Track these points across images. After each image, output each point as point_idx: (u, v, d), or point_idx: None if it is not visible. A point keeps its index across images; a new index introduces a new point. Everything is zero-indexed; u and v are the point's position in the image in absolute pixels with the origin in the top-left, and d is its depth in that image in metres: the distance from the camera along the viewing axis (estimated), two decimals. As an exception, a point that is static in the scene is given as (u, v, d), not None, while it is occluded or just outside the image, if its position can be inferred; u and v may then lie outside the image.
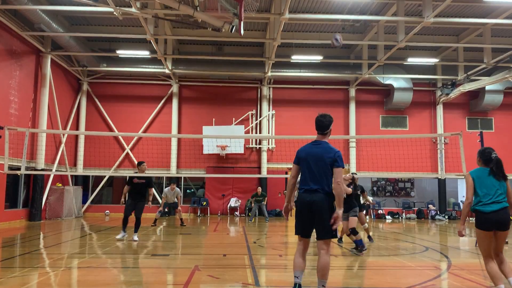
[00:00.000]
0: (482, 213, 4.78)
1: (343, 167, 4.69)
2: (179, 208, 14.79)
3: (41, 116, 16.39)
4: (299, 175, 4.86)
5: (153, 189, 11.07)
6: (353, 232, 8.49)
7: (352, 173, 9.86)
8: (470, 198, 4.88)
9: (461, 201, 21.01)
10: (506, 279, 4.70)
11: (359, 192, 9.48)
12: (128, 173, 19.93)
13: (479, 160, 5.09)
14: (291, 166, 5.02)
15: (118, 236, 10.08)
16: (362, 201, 10.25)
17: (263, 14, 15.18)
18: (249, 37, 17.86)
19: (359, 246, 8.38)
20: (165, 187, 16.12)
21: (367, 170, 19.43)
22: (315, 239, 4.65)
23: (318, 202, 4.54)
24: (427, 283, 5.83)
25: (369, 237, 10.12)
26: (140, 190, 9.93)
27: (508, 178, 4.92)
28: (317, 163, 4.63)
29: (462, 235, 5.02)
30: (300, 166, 4.79)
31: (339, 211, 4.52)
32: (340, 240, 9.97)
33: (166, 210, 14.78)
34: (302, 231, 4.67)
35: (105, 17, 17.00)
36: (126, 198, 10.11)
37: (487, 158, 4.97)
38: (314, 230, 4.68)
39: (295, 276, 4.57)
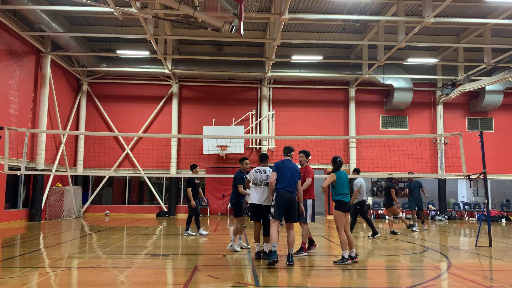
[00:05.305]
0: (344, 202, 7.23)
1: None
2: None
3: (41, 116, 16.40)
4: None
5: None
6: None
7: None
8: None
9: (461, 201, 21.01)
10: (349, 249, 7.11)
11: None
12: (128, 173, 20.17)
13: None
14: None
15: (192, 233, 11.58)
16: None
17: (263, 14, 15.19)
18: (249, 37, 17.87)
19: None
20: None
21: (367, 170, 19.41)
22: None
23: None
24: (427, 283, 5.82)
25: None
26: (198, 190, 11.39)
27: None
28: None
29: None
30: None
31: None
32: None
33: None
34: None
35: (105, 17, 17.01)
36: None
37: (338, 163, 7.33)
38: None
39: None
